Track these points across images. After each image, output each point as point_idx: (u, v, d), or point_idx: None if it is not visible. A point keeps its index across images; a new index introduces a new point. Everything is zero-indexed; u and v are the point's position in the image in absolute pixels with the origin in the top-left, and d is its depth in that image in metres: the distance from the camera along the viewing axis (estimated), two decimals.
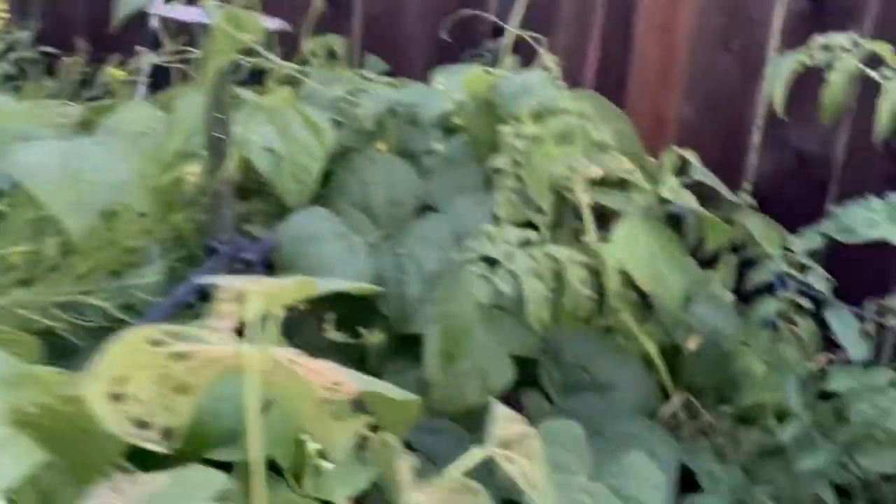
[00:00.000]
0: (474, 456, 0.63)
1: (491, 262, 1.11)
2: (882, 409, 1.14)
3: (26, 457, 0.51)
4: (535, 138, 1.19)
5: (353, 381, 0.57)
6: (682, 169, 1.42)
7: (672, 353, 1.36)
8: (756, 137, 1.68)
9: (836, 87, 1.24)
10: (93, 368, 0.53)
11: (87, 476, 0.54)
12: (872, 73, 1.24)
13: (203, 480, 0.58)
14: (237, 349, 0.55)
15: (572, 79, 1.55)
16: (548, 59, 1.45)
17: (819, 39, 1.30)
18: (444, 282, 1.15)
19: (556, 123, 1.19)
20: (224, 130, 1.17)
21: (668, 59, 1.72)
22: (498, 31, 1.64)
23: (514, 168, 1.15)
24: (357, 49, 1.90)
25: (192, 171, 1.24)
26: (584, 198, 1.19)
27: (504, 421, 0.62)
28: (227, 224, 1.20)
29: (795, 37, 1.48)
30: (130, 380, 0.55)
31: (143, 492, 0.55)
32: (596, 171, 1.19)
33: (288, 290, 0.59)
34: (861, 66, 1.25)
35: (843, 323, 1.25)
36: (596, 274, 1.19)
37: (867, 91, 1.27)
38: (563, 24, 1.75)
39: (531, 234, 1.14)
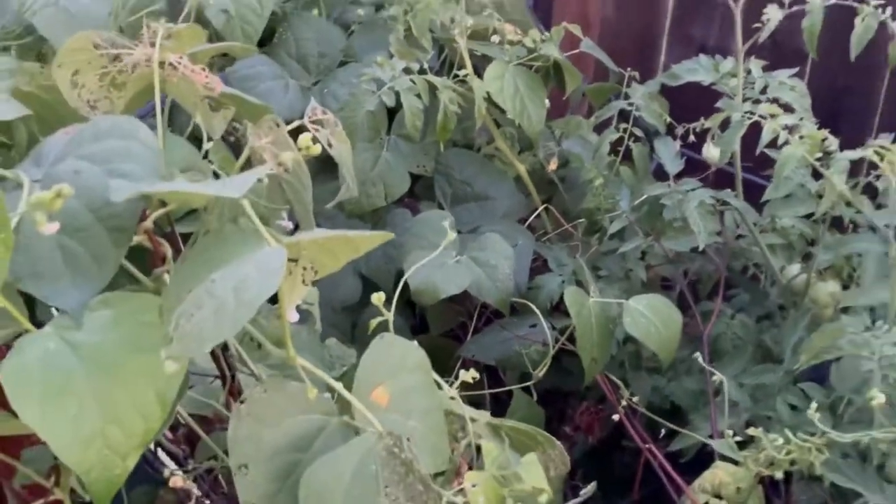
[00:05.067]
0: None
1: (380, 84, 1.47)
2: (682, 203, 1.49)
3: (19, 109, 0.88)
4: None
5: (219, 83, 0.93)
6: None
7: (543, 177, 1.73)
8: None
9: None
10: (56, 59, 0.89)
11: (59, 126, 0.90)
12: None
13: None
14: (149, 53, 0.91)
15: None
16: None
17: None
18: (348, 103, 1.51)
19: None
20: None
21: None
22: None
23: (404, 16, 1.50)
24: None
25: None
26: (462, 42, 1.54)
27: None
28: None
29: None
30: (81, 72, 0.91)
31: None
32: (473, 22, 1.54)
33: None
34: None
35: (665, 147, 1.60)
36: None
37: None
38: None
39: (414, 64, 1.50)
